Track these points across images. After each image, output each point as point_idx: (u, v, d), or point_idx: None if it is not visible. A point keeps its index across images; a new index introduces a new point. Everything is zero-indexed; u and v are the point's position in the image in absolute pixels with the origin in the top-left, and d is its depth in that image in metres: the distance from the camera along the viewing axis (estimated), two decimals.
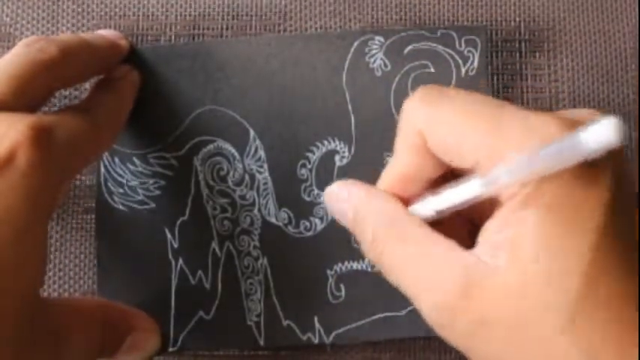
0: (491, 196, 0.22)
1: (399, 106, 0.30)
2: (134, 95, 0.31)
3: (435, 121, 0.23)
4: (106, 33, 0.31)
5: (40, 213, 0.24)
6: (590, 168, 0.21)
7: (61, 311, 0.26)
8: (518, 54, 0.32)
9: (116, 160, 0.31)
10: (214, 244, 0.31)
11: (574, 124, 0.21)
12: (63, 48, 0.26)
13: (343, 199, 0.26)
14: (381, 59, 0.31)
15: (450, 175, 0.25)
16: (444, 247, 0.23)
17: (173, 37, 0.33)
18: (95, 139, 0.27)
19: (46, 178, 0.23)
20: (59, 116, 0.25)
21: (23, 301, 0.23)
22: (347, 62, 0.31)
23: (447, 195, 0.23)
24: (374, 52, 0.31)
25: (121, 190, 0.31)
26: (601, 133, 0.18)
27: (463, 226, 0.26)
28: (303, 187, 0.31)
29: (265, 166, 0.31)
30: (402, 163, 0.25)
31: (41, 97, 0.27)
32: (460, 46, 0.31)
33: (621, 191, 0.22)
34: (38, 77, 0.25)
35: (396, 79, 0.31)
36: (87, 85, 0.32)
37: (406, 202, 0.25)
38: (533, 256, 0.21)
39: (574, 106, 0.32)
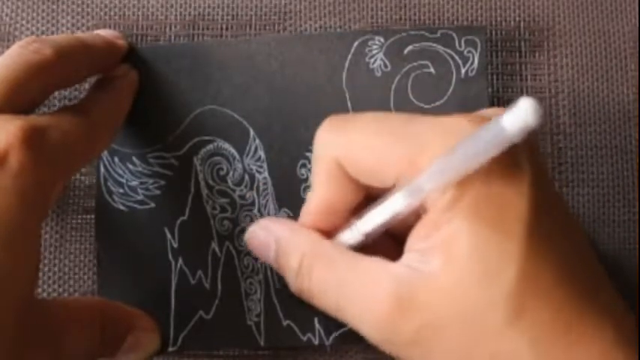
0: (417, 206, 0.22)
1: (399, 107, 0.31)
2: (132, 95, 0.31)
3: (349, 146, 0.24)
4: (104, 33, 0.31)
5: (34, 214, 0.24)
6: (507, 160, 0.21)
7: (58, 312, 0.26)
8: (517, 54, 0.32)
9: (116, 159, 0.31)
10: (214, 244, 0.31)
11: (484, 119, 0.22)
12: (58, 49, 0.26)
13: (264, 237, 0.27)
14: (381, 59, 0.31)
15: (370, 200, 0.25)
16: (370, 263, 0.23)
17: (173, 37, 0.33)
18: (90, 139, 0.27)
19: (38, 179, 0.23)
20: (53, 117, 0.25)
21: (19, 303, 0.23)
22: (347, 62, 0.31)
23: (372, 215, 0.23)
24: (374, 52, 0.31)
25: (121, 190, 0.31)
26: (519, 115, 0.18)
27: (391, 245, 0.26)
28: (303, 187, 0.31)
29: (265, 165, 0.31)
30: (321, 195, 0.25)
31: (36, 98, 0.27)
32: (460, 46, 0.31)
33: (541, 178, 0.22)
34: (32, 79, 0.25)
35: (396, 79, 0.31)
36: (87, 85, 0.32)
37: (331, 233, 0.25)
38: (466, 255, 0.21)
39: (574, 106, 0.32)
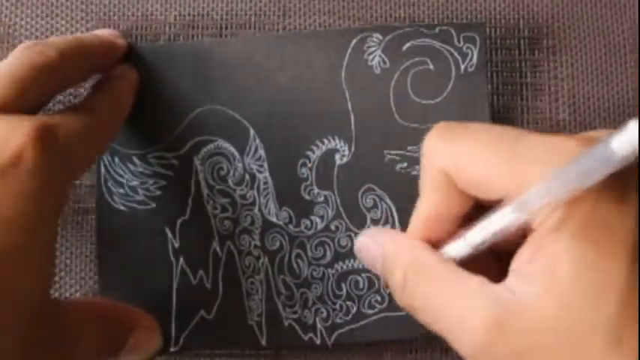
0: (524, 222, 0.22)
1: (398, 104, 0.31)
2: (133, 95, 0.31)
3: (458, 156, 0.23)
4: (103, 32, 0.31)
5: (49, 213, 0.24)
6: (616, 183, 0.21)
7: (70, 312, 0.26)
8: (517, 51, 0.32)
9: (116, 160, 0.31)
10: (215, 244, 0.31)
11: (595, 141, 0.21)
12: (61, 50, 0.26)
13: (372, 248, 0.26)
14: (380, 56, 0.31)
15: (480, 211, 0.25)
16: (473, 282, 0.23)
17: (172, 37, 0.33)
18: (95, 138, 0.27)
19: (52, 179, 0.24)
20: (60, 116, 0.25)
21: (34, 304, 0.23)
22: (345, 60, 0.31)
23: (481, 227, 0.23)
24: (372, 49, 0.31)
25: (122, 190, 0.31)
26: (630, 137, 0.18)
27: (492, 264, 0.26)
28: (303, 186, 0.31)
29: (265, 165, 0.31)
30: (429, 203, 0.25)
31: (42, 99, 0.27)
32: (459, 42, 0.31)
33: None
34: (39, 80, 0.25)
35: (395, 76, 0.31)
36: (86, 85, 0.32)
37: (438, 243, 0.25)
38: (570, 279, 0.20)
39: (573, 103, 0.32)
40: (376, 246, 0.26)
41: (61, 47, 0.27)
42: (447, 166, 0.24)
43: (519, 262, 0.22)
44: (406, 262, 0.25)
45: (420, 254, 0.25)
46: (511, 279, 0.22)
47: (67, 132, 0.25)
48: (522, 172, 0.22)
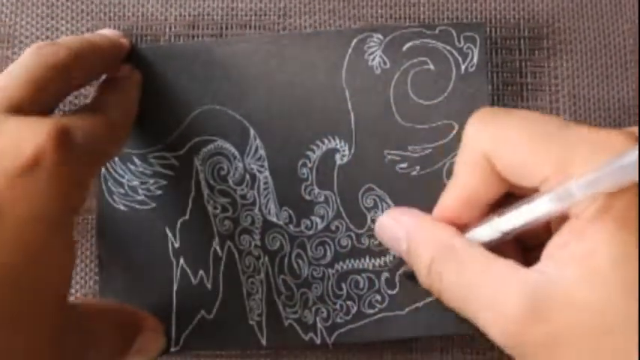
0: (563, 211, 0.22)
1: (398, 104, 0.31)
2: (139, 95, 0.31)
3: (501, 141, 0.23)
4: (107, 32, 0.31)
5: (68, 213, 0.24)
6: None
7: (86, 314, 0.26)
8: (517, 51, 0.32)
9: (116, 159, 0.31)
10: (215, 244, 0.31)
11: (637, 136, 0.21)
12: (74, 51, 0.26)
13: (395, 229, 0.26)
14: (380, 57, 0.31)
15: (506, 199, 0.25)
16: (504, 266, 0.23)
17: (172, 37, 0.33)
18: (111, 137, 0.27)
19: (70, 179, 0.24)
20: (76, 117, 0.26)
21: (58, 301, 0.23)
22: (346, 60, 0.31)
23: (516, 214, 0.23)
24: (373, 49, 0.31)
25: (122, 190, 0.31)
26: None
27: (514, 251, 0.26)
28: (303, 186, 0.31)
29: (266, 165, 0.31)
30: (464, 185, 0.25)
31: (55, 100, 0.27)
32: (459, 42, 0.31)
33: None
34: (52, 81, 0.25)
35: (396, 76, 0.31)
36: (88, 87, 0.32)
37: (464, 227, 0.25)
38: (608, 268, 0.20)
39: (574, 104, 0.32)
40: (399, 227, 0.26)
41: (74, 48, 0.27)
42: (488, 149, 0.24)
43: (555, 247, 0.22)
44: (433, 246, 0.25)
45: (447, 237, 0.24)
46: (545, 263, 0.22)
47: (82, 132, 0.25)
48: (564, 162, 0.22)
